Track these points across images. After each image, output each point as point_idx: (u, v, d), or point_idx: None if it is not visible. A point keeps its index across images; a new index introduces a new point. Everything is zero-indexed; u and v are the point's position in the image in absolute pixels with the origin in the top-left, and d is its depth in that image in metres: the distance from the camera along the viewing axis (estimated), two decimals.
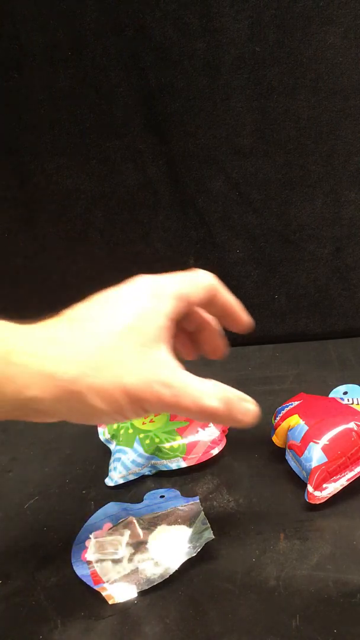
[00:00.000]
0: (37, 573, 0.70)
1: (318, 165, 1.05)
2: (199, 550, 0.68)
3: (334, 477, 0.74)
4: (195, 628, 0.62)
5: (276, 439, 0.83)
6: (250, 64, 0.99)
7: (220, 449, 0.84)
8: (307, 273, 1.11)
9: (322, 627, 0.60)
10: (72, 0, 0.97)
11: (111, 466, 0.84)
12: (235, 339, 1.15)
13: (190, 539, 0.69)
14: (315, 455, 0.74)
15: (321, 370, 1.04)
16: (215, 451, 0.83)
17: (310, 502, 0.73)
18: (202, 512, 0.72)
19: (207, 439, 0.83)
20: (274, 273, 1.12)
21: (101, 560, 0.69)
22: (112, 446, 0.87)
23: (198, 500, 0.74)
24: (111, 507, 0.77)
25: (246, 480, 0.81)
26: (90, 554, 0.70)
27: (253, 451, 0.83)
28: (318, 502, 0.73)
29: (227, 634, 0.61)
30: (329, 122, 1.02)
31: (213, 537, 0.68)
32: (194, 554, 0.67)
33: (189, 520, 0.72)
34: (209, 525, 0.70)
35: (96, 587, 0.67)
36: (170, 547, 0.69)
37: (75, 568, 0.69)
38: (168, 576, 0.66)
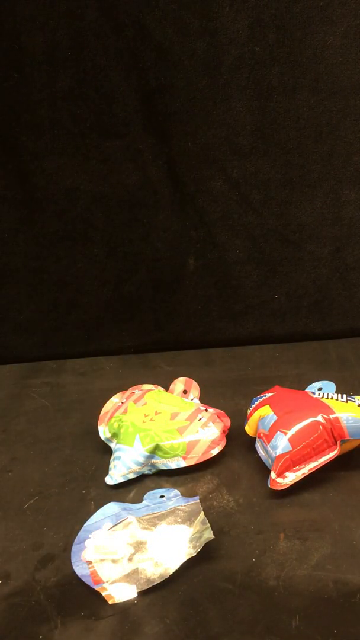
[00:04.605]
0: (37, 573, 0.70)
1: (318, 165, 1.05)
2: (199, 550, 0.68)
3: (296, 467, 0.76)
4: (195, 628, 0.62)
5: (248, 429, 0.85)
6: (250, 64, 0.99)
7: (220, 449, 0.84)
8: (307, 273, 1.11)
9: (322, 627, 0.60)
10: (72, 0, 0.97)
11: (111, 464, 0.84)
12: (235, 339, 1.16)
13: (190, 539, 0.69)
14: (281, 443, 0.77)
15: (321, 370, 1.04)
16: (215, 451, 0.83)
17: (272, 488, 0.76)
18: (202, 512, 0.72)
19: (207, 438, 0.83)
20: (274, 273, 1.12)
21: (101, 560, 0.69)
22: (113, 445, 0.87)
23: (198, 500, 0.74)
24: (111, 507, 0.77)
25: (246, 480, 0.81)
26: (90, 554, 0.70)
27: (253, 451, 0.83)
28: (279, 489, 0.76)
29: (227, 634, 0.61)
30: (329, 122, 1.02)
31: (213, 537, 0.68)
32: (194, 554, 0.67)
33: (189, 520, 0.72)
34: (209, 525, 0.70)
35: (96, 587, 0.67)
36: (170, 547, 0.69)
37: (75, 568, 0.69)
38: (168, 576, 0.66)
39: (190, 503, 0.74)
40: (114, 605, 0.65)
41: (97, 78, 1.02)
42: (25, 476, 0.87)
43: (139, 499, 0.79)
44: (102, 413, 0.91)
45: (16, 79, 1.02)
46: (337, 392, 0.84)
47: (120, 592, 0.66)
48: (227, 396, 0.98)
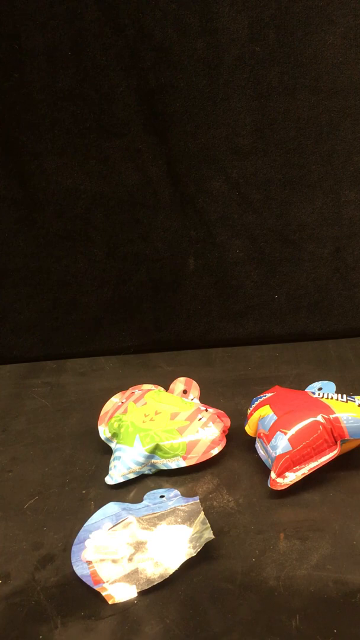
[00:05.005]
0: (37, 573, 0.70)
1: (318, 165, 1.05)
2: (199, 550, 0.68)
3: (296, 467, 0.76)
4: (195, 628, 0.62)
5: (248, 429, 0.85)
6: (250, 64, 0.99)
7: (220, 449, 0.84)
8: (307, 273, 1.11)
9: (322, 627, 0.60)
10: (72, 0, 0.97)
11: (111, 464, 0.84)
12: (235, 339, 1.16)
13: (190, 539, 0.69)
14: (281, 443, 0.77)
15: (321, 370, 1.04)
16: (215, 451, 0.83)
17: (272, 488, 0.76)
18: (202, 512, 0.72)
19: (207, 438, 0.83)
20: (274, 273, 1.12)
21: (101, 560, 0.69)
22: (113, 445, 0.87)
23: (198, 500, 0.75)
24: (111, 507, 0.77)
25: (246, 480, 0.81)
26: (90, 554, 0.70)
27: (253, 451, 0.83)
28: (279, 489, 0.76)
29: (227, 634, 0.61)
30: (329, 122, 1.02)
31: (213, 537, 0.68)
32: (194, 554, 0.67)
33: (189, 520, 0.72)
34: (209, 525, 0.70)
35: (96, 587, 0.67)
36: (170, 547, 0.69)
37: (75, 568, 0.69)
38: (168, 576, 0.66)
39: (190, 503, 0.74)
40: (114, 605, 0.65)
41: (97, 78, 1.02)
42: (25, 476, 0.87)
43: (139, 499, 0.79)
44: (102, 413, 0.91)
45: (16, 79, 1.02)
46: (337, 392, 0.84)
47: (120, 592, 0.66)
48: (227, 396, 0.98)
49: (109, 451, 0.87)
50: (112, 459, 0.85)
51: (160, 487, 0.81)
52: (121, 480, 0.82)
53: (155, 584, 0.66)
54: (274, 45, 0.98)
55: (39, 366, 1.16)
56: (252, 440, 0.85)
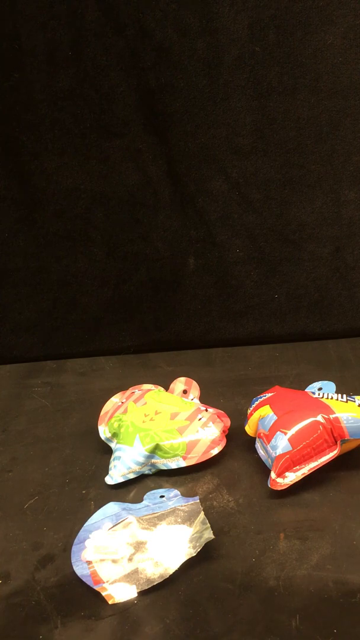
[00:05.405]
0: (37, 573, 0.70)
1: (318, 165, 1.05)
2: (199, 550, 0.68)
3: (296, 467, 0.76)
4: (195, 628, 0.62)
5: (248, 429, 0.85)
6: (250, 64, 1.00)
7: (220, 449, 0.84)
8: (307, 273, 1.11)
9: (322, 627, 0.60)
10: (72, 0, 0.97)
11: (111, 464, 0.84)
12: (235, 339, 1.16)
13: (190, 539, 0.69)
14: (281, 443, 0.77)
15: (321, 370, 1.04)
16: (215, 451, 0.83)
17: (272, 488, 0.76)
18: (202, 512, 0.72)
19: (207, 438, 0.83)
20: (274, 273, 1.12)
21: (101, 560, 0.69)
22: (113, 445, 0.87)
23: (198, 500, 0.75)
24: (111, 507, 0.77)
25: (246, 480, 0.81)
26: (90, 554, 0.70)
27: (253, 451, 0.83)
28: (279, 489, 0.76)
29: (227, 634, 0.61)
30: (329, 122, 1.02)
31: (213, 537, 0.68)
32: (194, 554, 0.67)
33: (189, 520, 0.72)
34: (209, 525, 0.70)
35: (96, 587, 0.67)
36: (170, 547, 0.69)
37: (75, 568, 0.69)
38: (168, 576, 0.66)
39: (190, 503, 0.74)
40: (114, 605, 0.65)
41: (97, 78, 1.02)
42: (25, 476, 0.87)
43: (139, 499, 0.79)
44: (102, 413, 0.91)
45: (16, 79, 1.02)
46: (337, 392, 0.84)
47: (120, 592, 0.66)
48: (227, 396, 0.98)
49: (109, 451, 0.87)
50: (112, 459, 0.85)
51: (160, 487, 0.81)
52: (121, 480, 0.82)
53: (155, 584, 0.66)
54: (274, 45, 0.98)
55: (39, 366, 1.16)
56: (252, 440, 0.85)
